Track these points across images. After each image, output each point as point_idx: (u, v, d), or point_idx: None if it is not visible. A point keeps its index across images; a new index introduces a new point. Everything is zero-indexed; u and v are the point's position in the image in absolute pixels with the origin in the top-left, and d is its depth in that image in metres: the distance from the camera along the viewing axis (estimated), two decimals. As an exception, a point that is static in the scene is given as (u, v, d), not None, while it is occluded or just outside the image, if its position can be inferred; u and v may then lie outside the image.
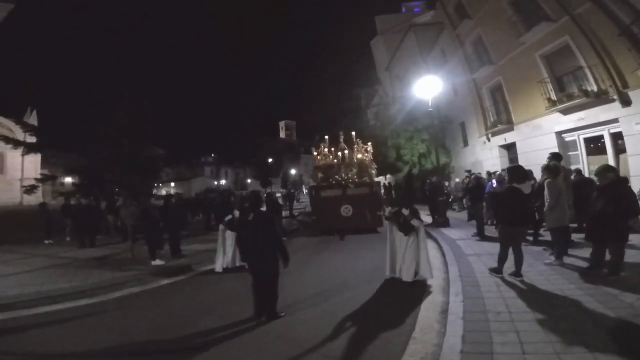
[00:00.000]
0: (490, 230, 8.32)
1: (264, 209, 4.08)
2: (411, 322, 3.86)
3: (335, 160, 10.94)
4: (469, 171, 12.61)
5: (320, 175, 10.98)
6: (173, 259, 7.83)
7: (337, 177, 10.57)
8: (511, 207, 4.54)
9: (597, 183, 4.73)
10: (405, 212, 5.11)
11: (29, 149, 19.34)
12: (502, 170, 9.76)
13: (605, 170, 4.58)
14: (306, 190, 38.62)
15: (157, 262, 7.40)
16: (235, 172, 72.54)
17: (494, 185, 8.87)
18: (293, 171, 57.20)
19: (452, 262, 5.90)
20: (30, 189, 20.62)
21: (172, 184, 61.81)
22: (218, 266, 6.66)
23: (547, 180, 5.22)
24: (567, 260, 5.30)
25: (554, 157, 5.75)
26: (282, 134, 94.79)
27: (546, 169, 5.32)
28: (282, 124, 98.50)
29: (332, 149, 11.19)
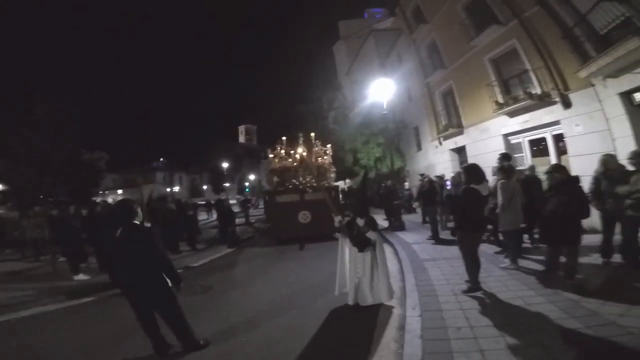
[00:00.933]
0: (445, 233, 8.21)
1: (137, 221, 3.11)
2: (367, 342, 3.36)
3: (294, 163, 10.18)
4: (422, 175, 12.69)
5: (275, 179, 10.20)
6: (101, 273, 6.86)
7: (294, 181, 9.83)
8: (469, 210, 4.11)
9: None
10: (360, 222, 4.11)
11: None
12: (455, 172, 9.57)
13: (553, 169, 4.46)
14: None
15: (81, 276, 6.61)
16: (190, 178, 68.77)
17: (449, 187, 8.64)
18: (252, 177, 55.45)
19: (409, 269, 5.55)
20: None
21: (120, 191, 57.05)
22: None
23: (500, 181, 5.03)
24: (521, 263, 5.14)
25: (504, 157, 5.61)
26: (242, 139, 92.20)
27: (500, 169, 5.11)
28: (241, 128, 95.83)
29: (292, 151, 10.44)
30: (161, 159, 56.37)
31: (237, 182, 46.96)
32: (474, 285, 4.17)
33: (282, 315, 4.24)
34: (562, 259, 4.32)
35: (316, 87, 23.50)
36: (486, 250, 6.38)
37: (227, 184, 49.12)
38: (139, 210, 3.07)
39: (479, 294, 4.10)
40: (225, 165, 40.64)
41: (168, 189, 58.94)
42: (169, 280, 3.10)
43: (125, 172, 60.02)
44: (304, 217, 9.32)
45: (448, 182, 8.47)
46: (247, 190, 39.87)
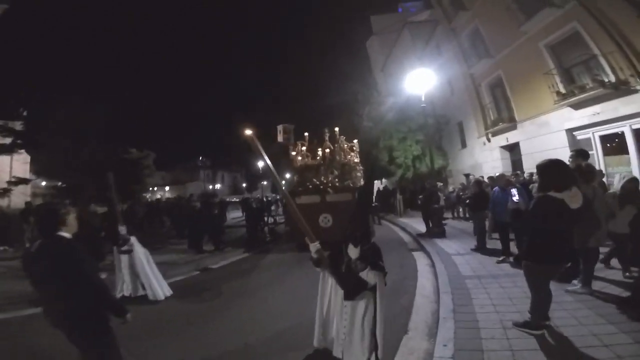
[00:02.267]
0: (493, 243, 7.06)
1: (66, 233, 2.28)
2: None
3: (318, 159, 9.25)
4: (467, 175, 11.47)
5: (296, 178, 9.43)
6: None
7: (315, 180, 8.97)
8: (546, 232, 2.77)
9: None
10: (353, 252, 2.34)
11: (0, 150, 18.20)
12: (514, 173, 7.60)
13: None
14: None
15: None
16: (232, 176, 71.52)
17: (515, 198, 5.57)
18: (288, 175, 56.08)
19: (446, 288, 4.64)
20: (3, 193, 19.50)
21: (167, 188, 61.02)
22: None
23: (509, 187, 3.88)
24: (594, 285, 4.04)
25: (579, 155, 4.19)
26: (280, 138, 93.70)
27: (577, 170, 3.78)
28: (280, 127, 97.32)
29: (319, 149, 9.50)
30: (201, 158, 58.88)
31: (271, 180, 47.46)
32: (535, 322, 3.11)
33: (281, 350, 3.36)
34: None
35: (349, 83, 22.87)
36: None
37: (264, 182, 50.03)
38: (69, 218, 2.35)
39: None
40: (261, 163, 41.12)
41: (210, 186, 61.72)
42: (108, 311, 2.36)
43: (172, 169, 64.06)
44: (325, 220, 8.31)
45: (514, 191, 5.47)
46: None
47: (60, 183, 17.85)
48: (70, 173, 12.88)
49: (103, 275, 6.23)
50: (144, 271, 4.89)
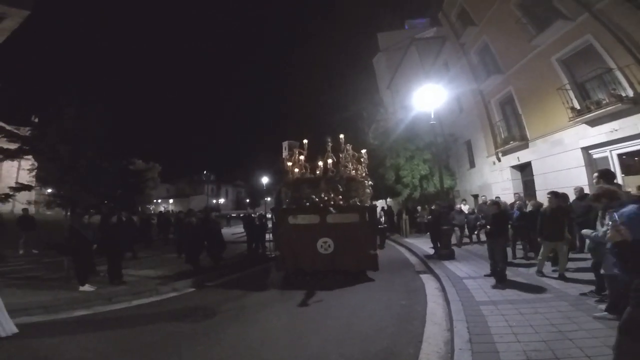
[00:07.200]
0: (513, 271, 6.40)
1: None
2: None
3: (318, 172, 7.91)
4: (475, 196, 11.05)
5: (290, 193, 7.92)
6: (110, 285, 6.55)
7: (314, 197, 7.45)
8: None
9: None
10: None
11: (4, 155, 18.26)
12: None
13: None
14: None
15: (87, 287, 6.21)
16: (236, 192, 71.73)
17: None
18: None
19: (460, 315, 4.18)
20: (3, 198, 19.37)
21: (171, 201, 61.24)
22: None
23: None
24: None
25: (604, 176, 3.74)
26: (285, 154, 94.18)
27: (603, 195, 3.43)
28: (285, 144, 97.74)
29: (320, 162, 8.12)
30: (205, 172, 58.86)
31: (274, 197, 47.00)
32: None
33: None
34: None
35: (355, 100, 22.77)
36: (567, 290, 4.88)
37: (268, 199, 49.72)
38: None
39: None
40: (265, 180, 40.97)
41: (214, 200, 61.61)
42: None
43: (177, 181, 64.53)
44: (325, 245, 7.08)
45: (617, 215, 2.51)
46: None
47: (50, 190, 17.66)
48: (65, 182, 12.67)
49: None
50: None
